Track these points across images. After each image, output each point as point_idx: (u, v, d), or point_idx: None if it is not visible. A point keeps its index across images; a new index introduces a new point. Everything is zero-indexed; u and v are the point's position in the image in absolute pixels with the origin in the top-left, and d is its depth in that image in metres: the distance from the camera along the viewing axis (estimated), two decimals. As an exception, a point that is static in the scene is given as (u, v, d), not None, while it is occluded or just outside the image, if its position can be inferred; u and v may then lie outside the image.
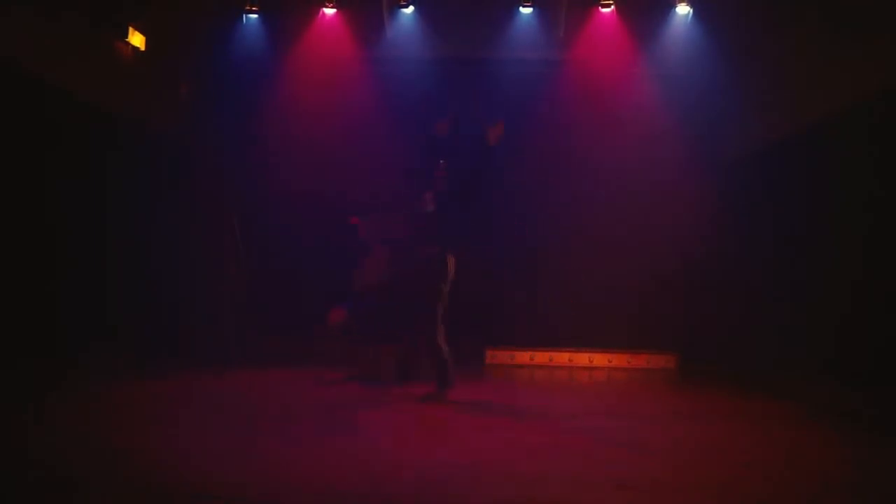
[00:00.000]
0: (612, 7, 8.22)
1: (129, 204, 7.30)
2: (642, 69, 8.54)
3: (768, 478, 3.74)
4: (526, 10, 8.34)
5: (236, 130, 8.69)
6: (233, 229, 8.24)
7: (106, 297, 6.90)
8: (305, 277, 8.63)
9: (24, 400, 5.19)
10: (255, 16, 8.53)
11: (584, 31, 8.46)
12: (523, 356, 8.66)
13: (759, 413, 5.83)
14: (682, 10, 8.11)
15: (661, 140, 8.32)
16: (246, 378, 6.87)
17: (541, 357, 8.68)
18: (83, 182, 6.59)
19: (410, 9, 8.38)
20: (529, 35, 8.48)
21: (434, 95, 8.50)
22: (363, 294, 6.80)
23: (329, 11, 8.49)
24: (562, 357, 8.70)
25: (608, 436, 4.60)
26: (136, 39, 7.30)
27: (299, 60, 8.68)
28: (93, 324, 6.68)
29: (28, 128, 5.87)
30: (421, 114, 8.55)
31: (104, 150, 6.90)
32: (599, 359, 8.69)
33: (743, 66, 8.06)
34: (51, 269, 6.14)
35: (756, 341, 7.56)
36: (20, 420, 4.63)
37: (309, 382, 6.73)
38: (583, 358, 8.69)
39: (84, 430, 4.39)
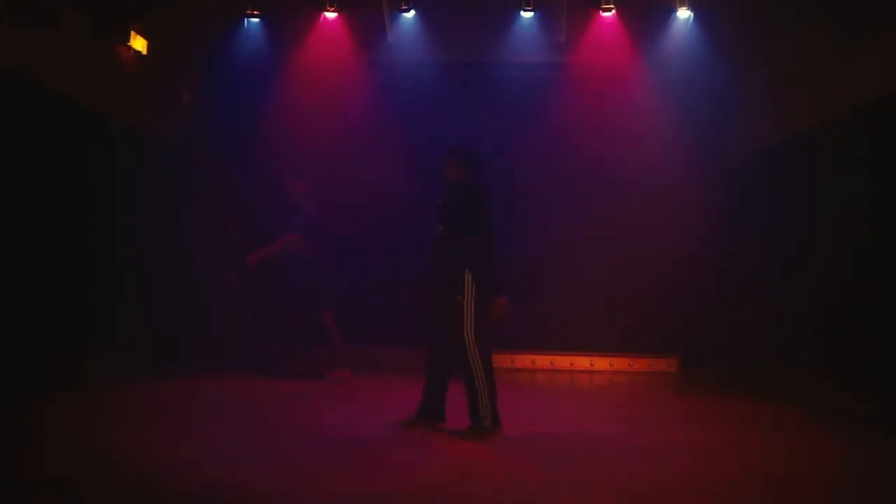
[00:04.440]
0: (613, 11, 8.22)
1: (131, 207, 7.31)
2: (643, 72, 8.54)
3: (770, 481, 3.73)
4: (527, 14, 8.34)
5: (237, 133, 8.69)
6: (234, 233, 8.25)
7: (107, 301, 6.90)
8: (306, 281, 8.60)
9: (26, 402, 5.20)
10: (256, 19, 8.55)
11: (585, 35, 8.47)
12: (524, 360, 8.65)
13: (760, 416, 5.83)
14: (683, 13, 8.11)
15: (662, 142, 8.30)
16: (246, 381, 6.87)
17: (542, 361, 8.68)
18: (84, 186, 6.59)
19: (412, 13, 8.39)
20: (530, 39, 8.47)
21: (435, 98, 8.51)
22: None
23: (330, 15, 8.50)
24: (563, 361, 8.69)
25: (609, 440, 4.60)
26: (138, 43, 7.30)
27: (301, 64, 8.69)
28: (94, 327, 6.68)
29: (29, 132, 5.87)
30: (422, 117, 8.59)
31: (105, 153, 6.91)
32: (601, 362, 8.67)
33: (744, 68, 8.06)
34: (52, 274, 6.14)
35: (757, 344, 7.55)
36: (21, 421, 4.64)
37: (309, 385, 6.73)
38: (584, 361, 8.67)
39: (84, 430, 4.40)
